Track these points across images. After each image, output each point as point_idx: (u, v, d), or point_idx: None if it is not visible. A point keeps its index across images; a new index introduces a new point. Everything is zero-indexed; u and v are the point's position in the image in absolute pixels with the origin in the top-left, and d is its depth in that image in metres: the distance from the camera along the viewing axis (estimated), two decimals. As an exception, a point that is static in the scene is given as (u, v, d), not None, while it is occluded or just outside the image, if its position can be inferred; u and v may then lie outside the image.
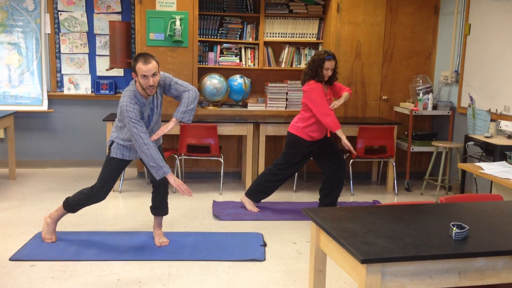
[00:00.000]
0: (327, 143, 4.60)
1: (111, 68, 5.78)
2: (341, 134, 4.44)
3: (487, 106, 4.95)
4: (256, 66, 5.94)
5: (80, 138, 6.17)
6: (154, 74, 3.38)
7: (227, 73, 5.88)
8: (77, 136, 6.17)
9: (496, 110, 4.82)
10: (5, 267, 3.38)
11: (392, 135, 5.37)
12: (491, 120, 4.84)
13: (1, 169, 5.93)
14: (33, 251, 3.62)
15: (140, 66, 3.37)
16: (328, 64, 4.35)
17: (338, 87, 4.64)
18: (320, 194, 4.72)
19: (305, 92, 4.45)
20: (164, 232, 3.93)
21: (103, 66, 6.03)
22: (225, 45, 5.89)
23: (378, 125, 5.41)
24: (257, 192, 4.73)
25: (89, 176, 5.67)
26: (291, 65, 5.99)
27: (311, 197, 5.24)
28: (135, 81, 3.47)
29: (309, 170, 5.85)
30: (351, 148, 4.52)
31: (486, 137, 4.54)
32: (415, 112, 5.54)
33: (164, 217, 3.95)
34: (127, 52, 5.71)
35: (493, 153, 4.28)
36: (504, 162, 3.86)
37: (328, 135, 4.57)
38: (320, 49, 5.89)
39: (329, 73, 4.39)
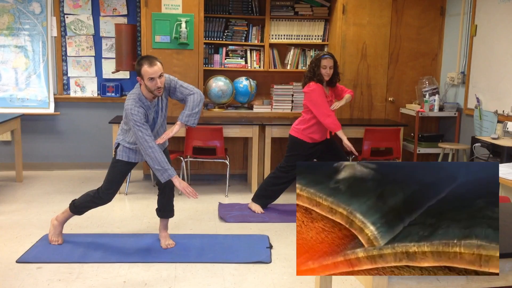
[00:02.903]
0: (329, 144, 4.59)
1: (117, 70, 5.80)
2: (342, 135, 4.42)
3: (494, 107, 4.92)
4: (261, 68, 5.94)
5: (87, 140, 6.20)
6: (160, 76, 3.40)
7: (232, 75, 5.89)
8: (83, 139, 6.19)
9: (503, 111, 4.79)
10: (12, 269, 3.40)
11: (398, 136, 5.35)
12: (498, 122, 4.81)
13: (8, 171, 5.96)
14: (40, 253, 3.64)
15: (146, 69, 3.37)
16: (325, 62, 4.34)
17: (340, 89, 4.63)
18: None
19: (306, 94, 4.45)
20: (170, 234, 3.93)
21: (109, 69, 6.05)
22: (230, 47, 5.89)
23: (384, 127, 5.40)
24: (263, 197, 4.73)
25: (96, 179, 5.69)
26: (297, 67, 5.98)
27: (317, 199, 5.22)
28: (140, 85, 3.48)
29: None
30: (353, 149, 4.50)
31: (493, 138, 4.52)
32: (421, 114, 5.52)
33: (170, 219, 3.96)
34: (133, 54, 5.73)
35: (500, 154, 4.25)
36: (511, 164, 3.83)
37: (328, 136, 4.56)
38: (325, 50, 5.88)
39: (328, 71, 4.37)
